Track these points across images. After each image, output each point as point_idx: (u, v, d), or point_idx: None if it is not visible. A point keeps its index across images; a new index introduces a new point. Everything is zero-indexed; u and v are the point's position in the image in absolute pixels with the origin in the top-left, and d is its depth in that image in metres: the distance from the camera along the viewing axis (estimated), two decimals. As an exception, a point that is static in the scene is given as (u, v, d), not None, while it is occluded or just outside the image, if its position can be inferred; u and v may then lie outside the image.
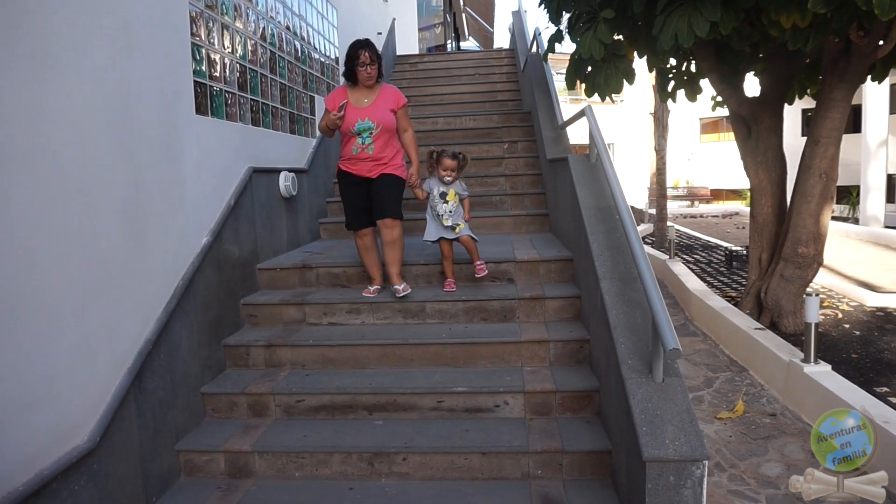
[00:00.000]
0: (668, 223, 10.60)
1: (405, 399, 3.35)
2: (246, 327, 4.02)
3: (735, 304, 5.98)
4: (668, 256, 8.41)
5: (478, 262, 4.03)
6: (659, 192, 12.18)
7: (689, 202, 22.13)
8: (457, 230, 3.96)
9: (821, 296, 6.39)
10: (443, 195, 3.97)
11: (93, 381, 2.59)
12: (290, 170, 4.92)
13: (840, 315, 6.01)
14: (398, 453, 3.05)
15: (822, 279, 7.33)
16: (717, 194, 23.01)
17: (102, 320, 2.65)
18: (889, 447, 3.16)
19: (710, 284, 7.35)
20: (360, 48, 3.83)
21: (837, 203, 15.68)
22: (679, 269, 7.71)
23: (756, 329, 5.02)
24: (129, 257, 2.85)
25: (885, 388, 4.13)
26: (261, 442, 3.16)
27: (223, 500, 2.96)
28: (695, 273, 7.82)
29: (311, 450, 3.10)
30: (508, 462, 3.01)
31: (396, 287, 3.93)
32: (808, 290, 4.92)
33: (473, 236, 4.01)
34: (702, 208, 21.16)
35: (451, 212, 3.97)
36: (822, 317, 5.87)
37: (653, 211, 13.96)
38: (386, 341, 3.61)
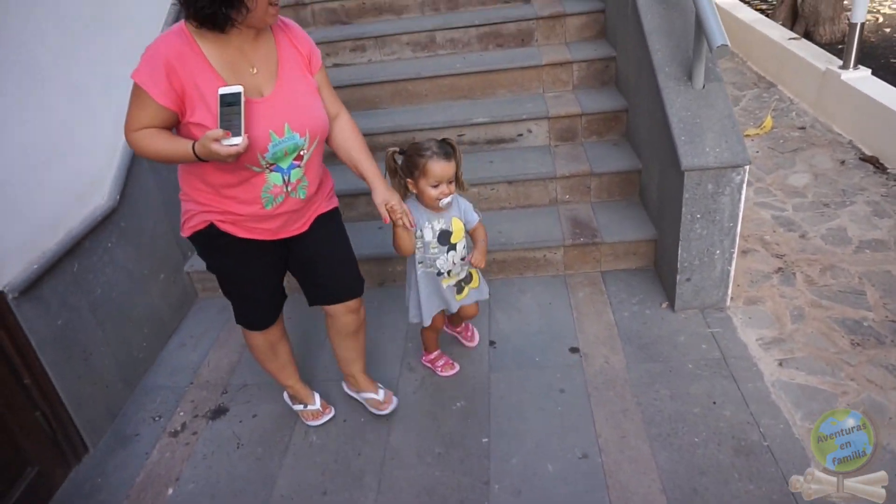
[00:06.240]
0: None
1: (423, 136, 3.21)
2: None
3: (767, 17, 5.50)
4: (692, -29, 7.59)
5: (470, 331, 2.57)
6: None
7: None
8: (467, 290, 2.20)
9: (862, -1, 5.82)
10: (444, 236, 2.04)
11: (96, 140, 2.45)
12: None
13: (881, 19, 5.54)
14: (422, 190, 3.01)
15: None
16: None
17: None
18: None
19: (739, -1, 6.70)
20: None
21: None
22: (705, -17, 6.99)
23: (790, 39, 4.65)
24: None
25: (924, 90, 3.90)
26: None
27: (256, 247, 3.01)
28: (722, -13, 7.11)
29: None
30: (535, 189, 2.97)
31: (374, 396, 2.22)
32: (853, -11, 4.42)
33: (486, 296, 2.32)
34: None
35: (463, 258, 2.12)
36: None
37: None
38: (396, 77, 3.37)
